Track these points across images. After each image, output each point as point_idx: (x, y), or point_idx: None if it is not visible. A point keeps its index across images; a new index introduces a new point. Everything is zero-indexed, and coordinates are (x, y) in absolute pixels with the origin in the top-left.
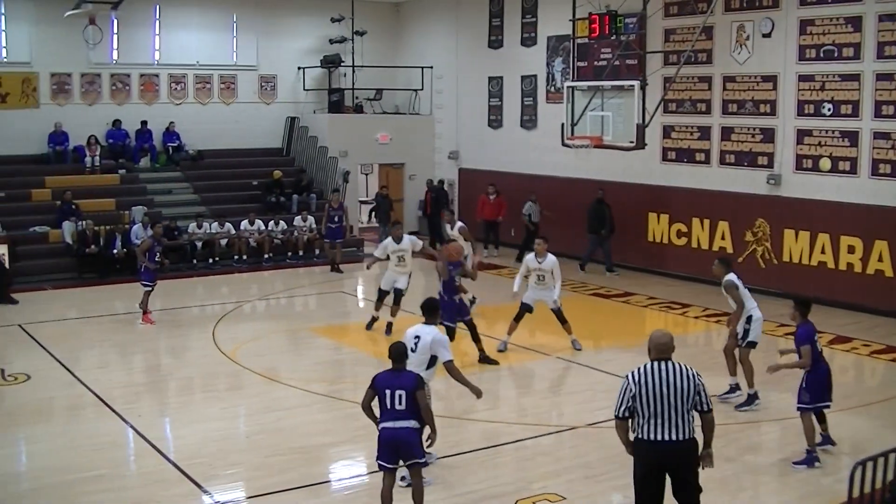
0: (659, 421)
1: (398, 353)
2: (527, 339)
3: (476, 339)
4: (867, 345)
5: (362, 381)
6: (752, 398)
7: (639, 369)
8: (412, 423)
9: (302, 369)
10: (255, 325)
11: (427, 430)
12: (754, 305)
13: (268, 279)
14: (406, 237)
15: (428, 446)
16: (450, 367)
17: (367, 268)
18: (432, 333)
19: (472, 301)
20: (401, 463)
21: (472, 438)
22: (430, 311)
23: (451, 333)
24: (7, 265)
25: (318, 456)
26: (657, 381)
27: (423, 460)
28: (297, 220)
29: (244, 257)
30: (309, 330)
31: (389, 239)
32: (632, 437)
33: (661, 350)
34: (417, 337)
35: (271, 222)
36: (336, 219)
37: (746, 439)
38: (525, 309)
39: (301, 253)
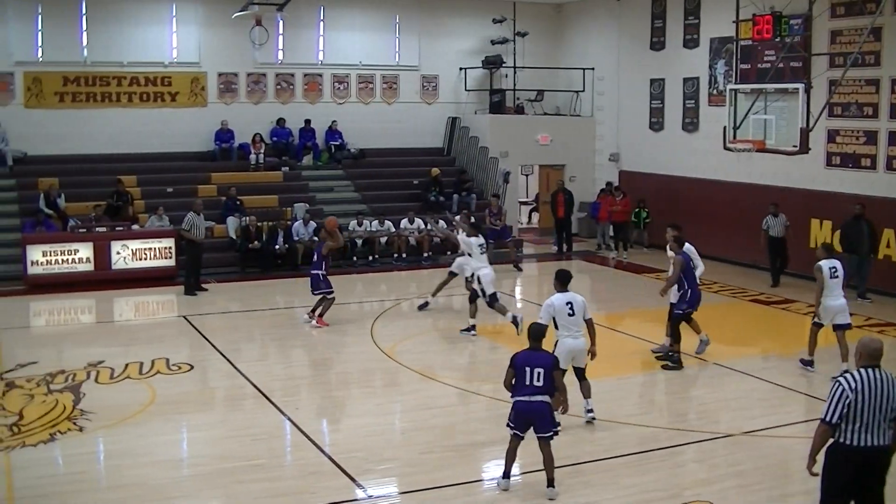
0: (868, 427)
1: (538, 333)
2: (683, 345)
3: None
4: None
5: None
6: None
7: (853, 376)
8: (546, 398)
9: (458, 368)
10: (413, 322)
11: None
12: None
13: (426, 277)
14: None
15: (563, 412)
16: (592, 323)
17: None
18: (579, 296)
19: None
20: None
21: (627, 442)
22: (568, 279)
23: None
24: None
25: (472, 455)
26: (872, 388)
27: (553, 431)
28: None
29: (404, 255)
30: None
31: None
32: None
33: (874, 357)
34: (570, 303)
35: (431, 221)
36: (496, 222)
37: None
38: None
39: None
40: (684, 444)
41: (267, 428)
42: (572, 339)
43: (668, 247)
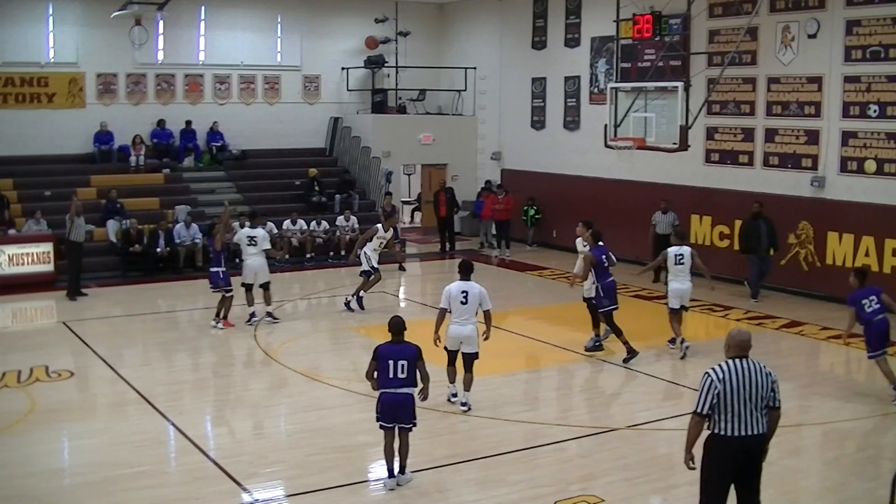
0: (741, 417)
1: (397, 326)
2: (567, 340)
3: None
4: None
5: None
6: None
7: (721, 367)
8: (410, 390)
9: (343, 369)
10: (297, 324)
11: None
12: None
13: (310, 279)
14: None
15: (422, 399)
16: (489, 314)
17: None
18: (477, 287)
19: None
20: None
21: (513, 438)
22: (469, 269)
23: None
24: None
25: (358, 455)
26: (740, 378)
27: (412, 423)
28: (340, 220)
29: (287, 257)
30: (350, 330)
31: None
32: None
33: (742, 348)
34: (465, 292)
35: (313, 222)
36: None
37: (787, 443)
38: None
39: (343, 253)
40: (570, 440)
41: (151, 434)
42: (459, 326)
43: (577, 241)
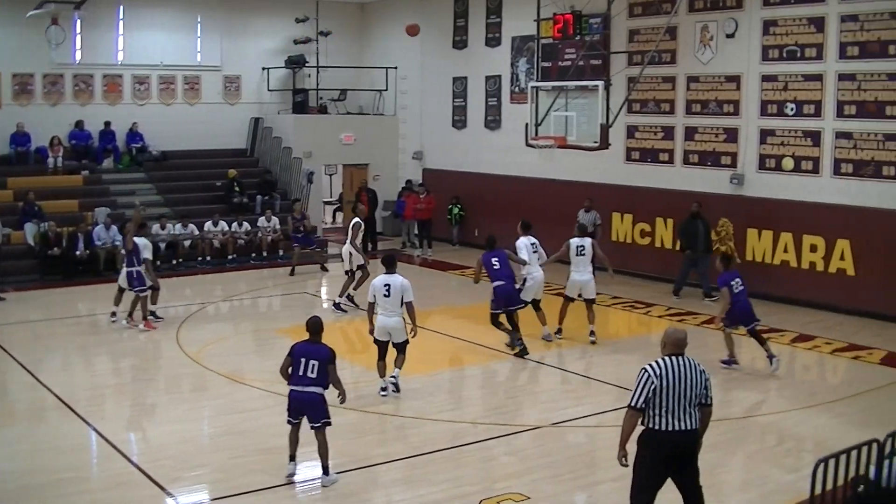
0: (674, 412)
1: (315, 326)
2: (491, 340)
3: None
4: (829, 343)
5: None
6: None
7: (658, 363)
8: (318, 390)
9: (266, 371)
10: (220, 326)
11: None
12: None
13: (232, 280)
14: None
15: (341, 402)
16: (411, 306)
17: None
18: (399, 279)
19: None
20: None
21: (437, 438)
22: (392, 262)
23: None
24: None
25: (283, 457)
26: (676, 374)
27: (324, 421)
28: (261, 221)
29: (208, 258)
30: (273, 331)
31: None
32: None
33: (679, 345)
34: (388, 285)
35: (235, 223)
36: (301, 228)
37: (709, 437)
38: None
39: (265, 254)
40: (495, 438)
41: (72, 440)
42: (385, 317)
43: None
